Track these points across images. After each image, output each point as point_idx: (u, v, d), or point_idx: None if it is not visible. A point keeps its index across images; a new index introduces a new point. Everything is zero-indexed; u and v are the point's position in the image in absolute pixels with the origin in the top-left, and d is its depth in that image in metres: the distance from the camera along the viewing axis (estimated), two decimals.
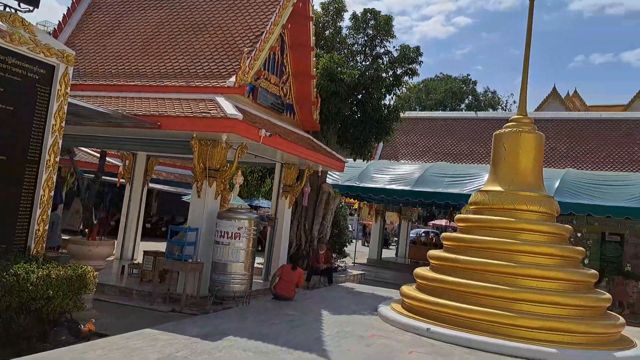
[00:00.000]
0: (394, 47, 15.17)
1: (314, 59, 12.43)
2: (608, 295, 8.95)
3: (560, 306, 8.20)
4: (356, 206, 26.15)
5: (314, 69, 12.46)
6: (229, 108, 9.32)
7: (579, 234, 15.42)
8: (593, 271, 9.19)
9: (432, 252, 9.88)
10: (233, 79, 10.12)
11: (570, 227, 9.58)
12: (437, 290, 8.99)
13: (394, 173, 18.12)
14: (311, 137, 12.83)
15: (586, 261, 16.74)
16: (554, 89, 49.72)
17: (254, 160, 12.04)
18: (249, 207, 10.61)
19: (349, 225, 32.62)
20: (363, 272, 16.04)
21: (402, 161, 23.05)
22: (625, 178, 16.03)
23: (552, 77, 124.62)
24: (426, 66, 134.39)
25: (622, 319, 8.81)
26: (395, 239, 32.20)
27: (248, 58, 10.28)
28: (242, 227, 9.58)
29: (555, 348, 7.56)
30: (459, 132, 25.14)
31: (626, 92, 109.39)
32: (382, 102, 14.75)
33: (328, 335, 7.52)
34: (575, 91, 50.95)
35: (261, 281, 11.89)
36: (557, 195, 14.94)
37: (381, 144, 25.75)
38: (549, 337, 7.83)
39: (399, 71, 14.89)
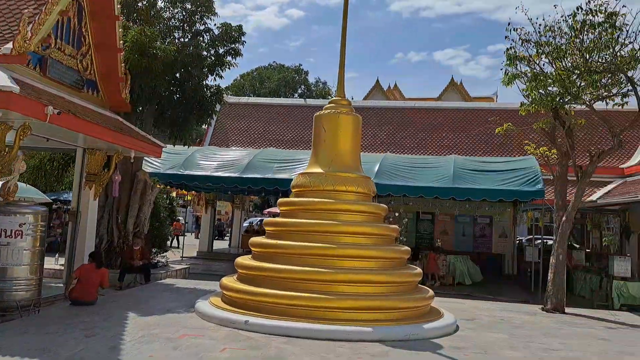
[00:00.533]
0: (215, 25, 14.29)
1: (121, 29, 10.99)
2: (419, 270, 9.35)
3: (375, 284, 8.29)
4: (189, 197, 24.80)
5: (121, 42, 11.02)
6: (2, 79, 7.62)
7: (396, 214, 16.34)
8: (406, 248, 9.53)
9: (253, 239, 9.37)
10: (10, 45, 8.35)
11: (385, 206, 9.82)
12: (257, 279, 8.50)
13: (221, 159, 17.32)
14: (120, 119, 11.40)
15: (404, 239, 17.93)
16: (377, 82, 53.34)
17: (47, 145, 10.25)
18: (51, 200, 8.94)
19: (180, 218, 31.00)
20: (188, 266, 15.01)
21: (233, 148, 22.31)
22: (435, 161, 17.41)
23: (376, 71, 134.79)
24: (261, 55, 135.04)
25: (431, 292, 9.27)
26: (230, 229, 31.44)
27: (30, 22, 8.57)
28: (25, 224, 7.98)
29: (370, 327, 7.58)
30: (290, 119, 25.25)
31: (438, 86, 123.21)
32: (204, 82, 13.79)
33: (129, 342, 6.52)
34: (396, 85, 55.35)
35: (61, 285, 10.23)
36: (376, 178, 15.56)
37: (211, 130, 24.71)
38: (366, 316, 7.84)
39: (221, 50, 14.05)
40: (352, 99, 26.54)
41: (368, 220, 9.32)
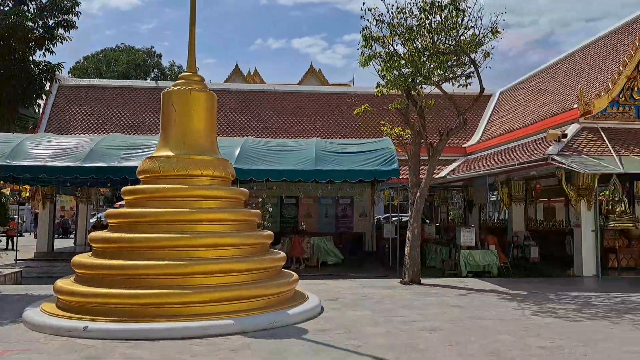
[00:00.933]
0: None
1: None
2: (282, 254, 8.97)
3: (236, 273, 7.72)
4: (25, 193, 21.70)
5: None
6: None
7: (259, 199, 15.94)
8: (268, 232, 9.08)
9: (93, 234, 8.20)
10: None
11: (245, 190, 9.25)
12: (98, 278, 7.42)
13: (58, 147, 15.23)
14: None
15: (269, 224, 17.62)
16: (237, 66, 52.25)
17: None
18: None
19: (15, 217, 27.25)
20: (21, 269, 13.02)
21: (74, 135, 19.95)
22: (297, 144, 17.22)
23: (236, 57, 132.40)
24: (108, 38, 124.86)
25: (295, 276, 8.96)
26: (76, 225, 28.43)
27: None
28: None
29: (232, 318, 7.01)
30: (141, 103, 23.34)
31: (297, 73, 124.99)
32: (31, 57, 11.88)
33: None
34: (256, 70, 54.71)
35: None
36: (237, 162, 14.91)
37: (47, 115, 21.87)
38: (227, 307, 7.25)
39: (50, 22, 12.21)
40: (211, 82, 25.48)
41: (227, 206, 8.68)
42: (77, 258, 7.99)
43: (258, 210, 9.26)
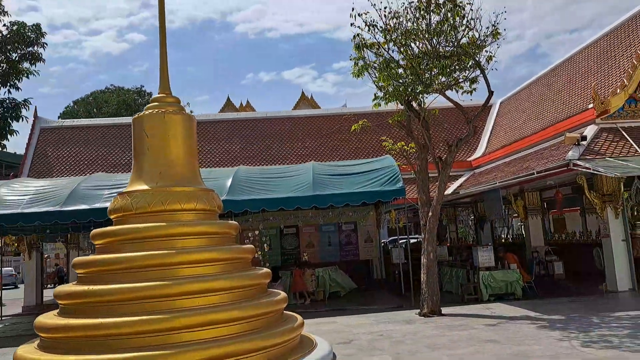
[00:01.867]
0: (4, 25, 11.40)
1: None
2: (283, 295, 7.65)
3: (228, 323, 6.41)
4: (10, 242, 20.41)
5: None
6: None
7: (256, 232, 14.71)
8: (265, 270, 7.78)
9: (57, 289, 6.91)
10: None
11: (235, 223, 8.00)
12: (63, 342, 6.12)
13: (35, 192, 14.07)
14: None
15: (267, 257, 16.33)
16: (228, 99, 51.70)
17: None
18: None
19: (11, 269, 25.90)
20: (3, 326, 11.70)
21: (57, 178, 18.80)
22: (292, 170, 16.10)
23: (228, 92, 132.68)
24: (101, 82, 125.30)
25: (299, 319, 7.63)
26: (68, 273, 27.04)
27: None
28: None
29: None
30: (128, 140, 22.24)
31: (289, 103, 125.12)
32: None
33: None
34: (248, 102, 54.12)
35: None
36: (230, 193, 13.80)
37: (29, 160, 20.76)
38: None
39: (14, 55, 11.20)
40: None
41: (214, 244, 7.42)
42: (40, 319, 6.69)
43: (251, 246, 7.99)
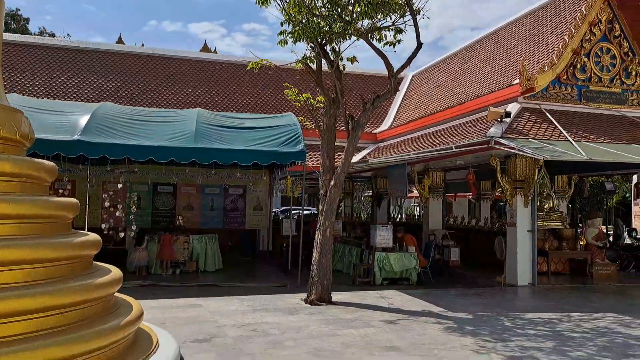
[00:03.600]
0: None
1: None
2: (114, 275, 5.23)
3: (23, 316, 3.92)
4: None
5: None
6: None
7: (119, 185, 11.87)
8: (91, 237, 5.30)
9: None
10: None
11: (51, 165, 5.38)
12: None
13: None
14: None
15: (133, 217, 13.56)
16: (120, 39, 46.22)
17: None
18: None
19: None
20: None
21: None
22: (170, 114, 13.33)
23: (126, 39, 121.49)
24: None
25: (136, 310, 5.30)
26: None
27: None
28: None
29: None
30: None
31: None
32: None
33: None
34: (143, 45, 48.94)
35: None
36: (85, 134, 10.84)
37: None
38: None
39: None
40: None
41: (13, 191, 4.79)
42: None
43: (73, 200, 5.42)
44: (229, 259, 15.14)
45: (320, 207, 9.37)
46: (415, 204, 31.04)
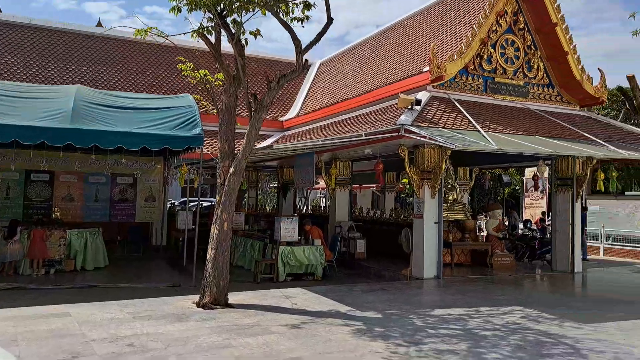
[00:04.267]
0: None
1: None
2: None
3: None
4: None
5: None
6: None
7: None
8: None
9: None
10: None
11: None
12: None
13: None
14: None
15: None
16: None
17: None
18: None
19: None
20: None
21: None
22: (43, 90, 11.51)
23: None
24: None
25: None
26: None
27: None
28: None
29: None
30: None
31: None
32: None
33: None
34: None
35: None
36: None
37: None
38: None
39: None
40: None
41: None
42: None
43: None
44: (116, 256, 13.56)
45: (218, 198, 8.29)
46: (322, 195, 30.66)
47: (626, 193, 19.86)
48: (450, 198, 14.09)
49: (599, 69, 13.14)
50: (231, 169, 8.12)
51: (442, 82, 11.53)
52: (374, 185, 25.65)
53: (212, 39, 8.74)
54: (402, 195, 31.25)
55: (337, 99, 16.12)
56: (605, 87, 12.95)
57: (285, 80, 8.26)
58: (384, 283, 10.99)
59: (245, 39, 8.64)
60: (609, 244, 18.83)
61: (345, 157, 14.73)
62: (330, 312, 7.76)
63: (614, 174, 12.02)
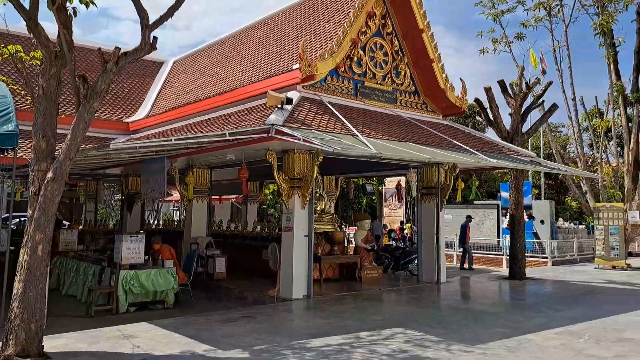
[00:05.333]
0: None
1: None
2: None
3: None
4: None
5: None
6: None
7: None
8: None
9: None
10: None
11: None
12: None
13: None
14: None
15: None
16: None
17: None
18: None
19: None
20: None
21: None
22: None
23: None
24: None
25: None
26: None
27: None
28: None
29: None
30: None
31: None
32: None
33: None
34: None
35: None
36: None
37: None
38: None
39: None
40: None
41: None
42: None
43: None
44: None
45: (30, 212, 6.16)
46: (176, 208, 28.12)
47: (474, 202, 20.96)
48: (318, 208, 13.18)
49: (460, 79, 13.34)
50: (49, 174, 6.07)
51: (312, 82, 10.55)
52: (235, 196, 24.06)
53: (27, 4, 6.63)
54: (264, 206, 30.08)
55: (194, 99, 14.36)
56: (466, 96, 13.15)
57: (128, 60, 6.47)
58: (249, 308, 9.56)
59: (74, 8, 6.67)
60: (461, 252, 19.62)
61: (204, 163, 13.06)
62: (184, 356, 6.13)
63: (476, 182, 12.11)
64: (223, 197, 23.76)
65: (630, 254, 20.30)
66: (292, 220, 10.29)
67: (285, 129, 8.14)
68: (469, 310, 9.63)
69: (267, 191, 25.48)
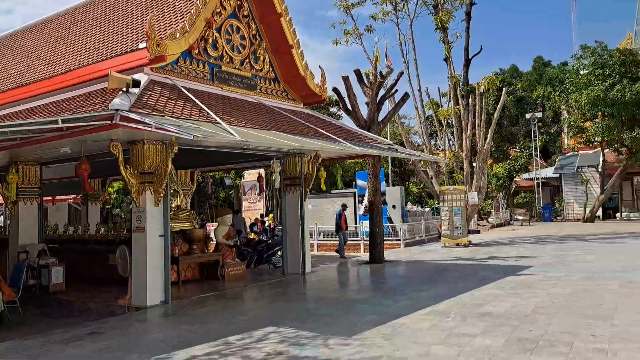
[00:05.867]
0: None
1: None
2: None
3: None
4: None
5: None
6: None
7: None
8: None
9: None
10: None
11: None
12: None
13: None
14: None
15: None
16: None
17: None
18: None
19: None
20: None
21: None
22: None
23: None
24: None
25: None
26: None
27: None
28: None
29: None
30: None
31: None
32: None
33: None
34: None
35: None
36: None
37: None
38: None
39: None
40: None
41: None
42: None
43: None
44: None
45: None
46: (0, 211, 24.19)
47: (332, 191, 21.33)
48: (173, 205, 12.06)
49: (319, 66, 13.20)
50: None
51: (163, 63, 9.47)
52: (72, 196, 21.41)
53: None
54: (108, 206, 27.43)
55: (17, 84, 12.20)
56: (325, 84, 13.05)
57: None
58: (96, 322, 8.26)
59: None
60: (321, 240, 19.83)
61: (32, 158, 11.14)
62: None
63: (340, 170, 12.08)
64: (57, 198, 21.03)
65: (469, 232, 22.36)
66: (144, 220, 9.16)
67: (132, 115, 7.06)
68: (338, 300, 9.49)
69: (111, 189, 23.21)
